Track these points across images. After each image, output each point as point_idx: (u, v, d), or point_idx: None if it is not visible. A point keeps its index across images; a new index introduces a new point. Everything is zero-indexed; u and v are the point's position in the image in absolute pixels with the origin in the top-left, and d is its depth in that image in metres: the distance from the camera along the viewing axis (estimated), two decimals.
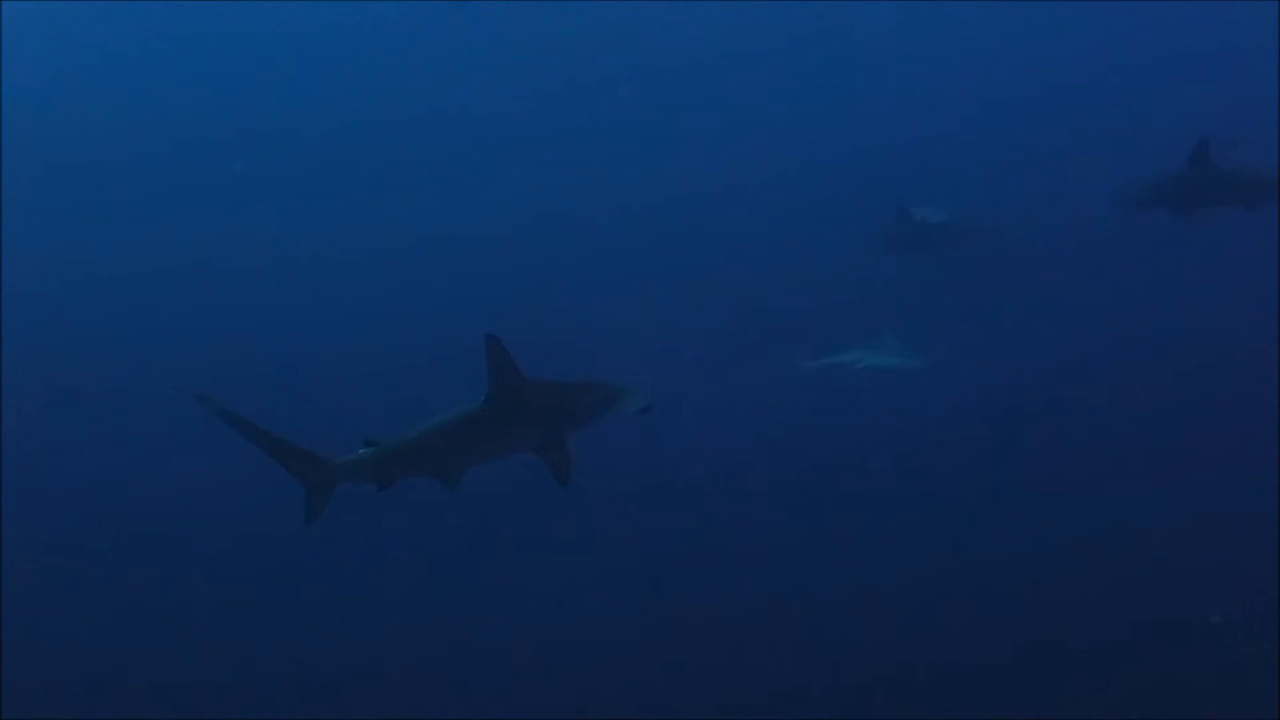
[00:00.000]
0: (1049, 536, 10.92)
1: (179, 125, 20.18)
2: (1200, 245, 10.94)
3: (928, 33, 20.25)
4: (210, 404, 7.50)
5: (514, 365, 8.29)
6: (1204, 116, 14.75)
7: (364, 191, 19.32)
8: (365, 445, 7.90)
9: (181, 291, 17.21)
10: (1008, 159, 16.94)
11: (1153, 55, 18.83)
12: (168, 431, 12.54)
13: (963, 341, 12.49)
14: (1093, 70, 18.70)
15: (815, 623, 10.23)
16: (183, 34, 21.53)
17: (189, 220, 18.65)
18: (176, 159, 19.89)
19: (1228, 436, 11.61)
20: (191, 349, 15.41)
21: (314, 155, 19.92)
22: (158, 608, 11.13)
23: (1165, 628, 9.41)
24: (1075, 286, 14.15)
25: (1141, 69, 18.70)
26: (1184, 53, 18.75)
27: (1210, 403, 12.11)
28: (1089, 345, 13.28)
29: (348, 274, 17.49)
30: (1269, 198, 10.91)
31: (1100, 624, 9.64)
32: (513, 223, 17.89)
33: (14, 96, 19.22)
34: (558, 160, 18.93)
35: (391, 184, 19.44)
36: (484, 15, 20.42)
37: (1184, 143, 10.66)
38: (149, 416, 13.47)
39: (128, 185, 19.57)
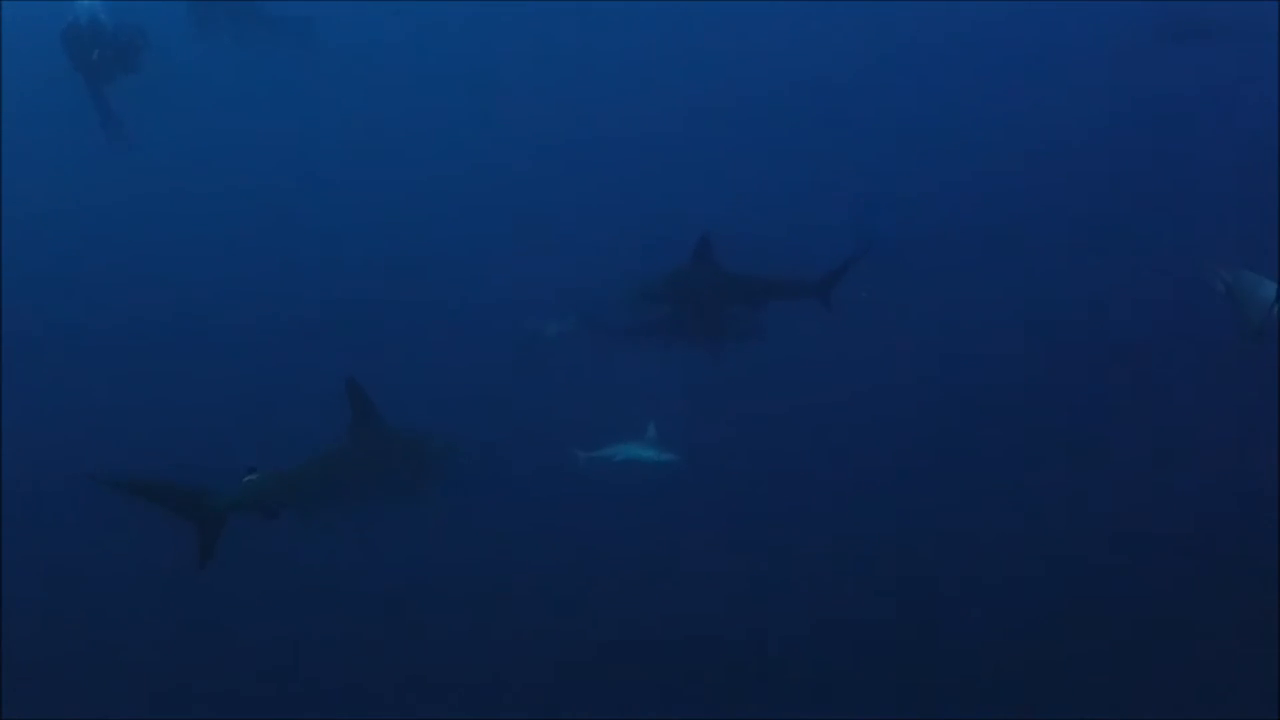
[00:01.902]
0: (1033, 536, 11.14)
1: None
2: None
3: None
4: (100, 481, 7.69)
5: (372, 408, 8.82)
6: None
7: None
8: (249, 473, 8.08)
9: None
10: None
11: None
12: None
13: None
14: None
15: None
16: None
17: None
18: None
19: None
20: None
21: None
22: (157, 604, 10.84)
23: (1163, 627, 9.67)
24: None
25: None
26: None
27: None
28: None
29: None
30: (772, 299, 11.68)
31: (1098, 622, 9.88)
32: None
33: None
34: None
35: None
36: None
37: None
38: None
39: None
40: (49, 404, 14.43)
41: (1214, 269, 10.09)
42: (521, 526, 11.93)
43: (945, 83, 21.36)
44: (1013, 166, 18.49)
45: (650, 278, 11.72)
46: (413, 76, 23.40)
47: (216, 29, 18.14)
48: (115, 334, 16.47)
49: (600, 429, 12.71)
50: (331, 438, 9.17)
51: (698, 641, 10.48)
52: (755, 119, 21.21)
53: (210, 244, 18.89)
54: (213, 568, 8.08)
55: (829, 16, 22.34)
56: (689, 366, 12.73)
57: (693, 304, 11.45)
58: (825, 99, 21.37)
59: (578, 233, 17.78)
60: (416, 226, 19.10)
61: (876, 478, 12.49)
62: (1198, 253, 10.47)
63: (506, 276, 16.87)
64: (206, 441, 12.66)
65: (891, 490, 12.26)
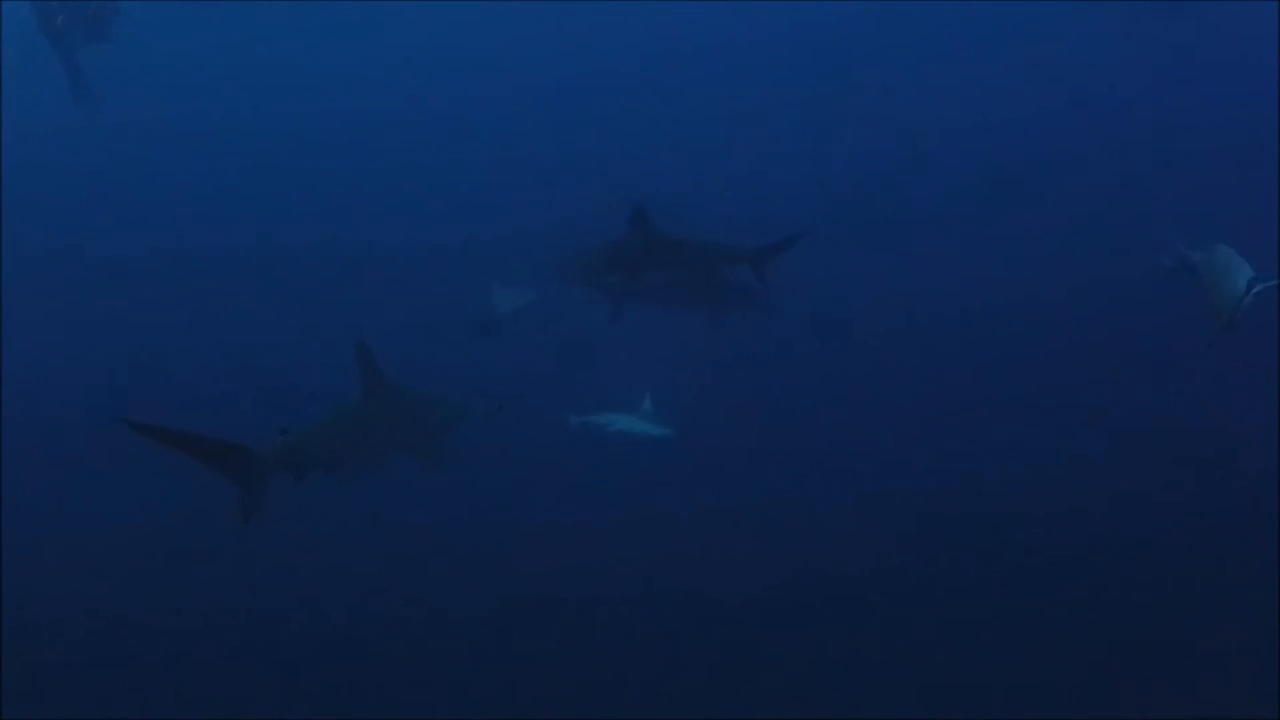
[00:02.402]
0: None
1: None
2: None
3: None
4: (134, 426, 7.47)
5: (379, 371, 8.94)
6: None
7: None
8: (280, 433, 8.18)
9: None
10: None
11: None
12: None
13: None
14: None
15: None
16: None
17: None
18: None
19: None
20: None
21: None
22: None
23: (1163, 624, 9.56)
24: None
25: None
26: None
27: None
28: None
29: None
30: (706, 264, 11.67)
31: (1096, 621, 9.73)
32: None
33: None
34: None
35: None
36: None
37: None
38: None
39: None
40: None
41: (1180, 247, 9.37)
42: (519, 491, 12.11)
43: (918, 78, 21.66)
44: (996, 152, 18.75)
45: (586, 249, 11.81)
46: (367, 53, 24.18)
47: None
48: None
49: (597, 395, 12.75)
50: (332, 398, 9.31)
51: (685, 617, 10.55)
52: (722, 96, 21.67)
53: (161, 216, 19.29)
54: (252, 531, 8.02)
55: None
56: (689, 338, 12.71)
57: (629, 272, 11.51)
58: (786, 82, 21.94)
59: (534, 205, 18.01)
60: (378, 201, 19.43)
61: (871, 461, 12.49)
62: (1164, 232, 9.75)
63: (471, 249, 17.13)
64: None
65: (884, 475, 12.24)
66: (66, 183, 20.17)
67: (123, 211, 19.35)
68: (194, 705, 9.66)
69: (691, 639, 10.24)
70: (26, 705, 9.38)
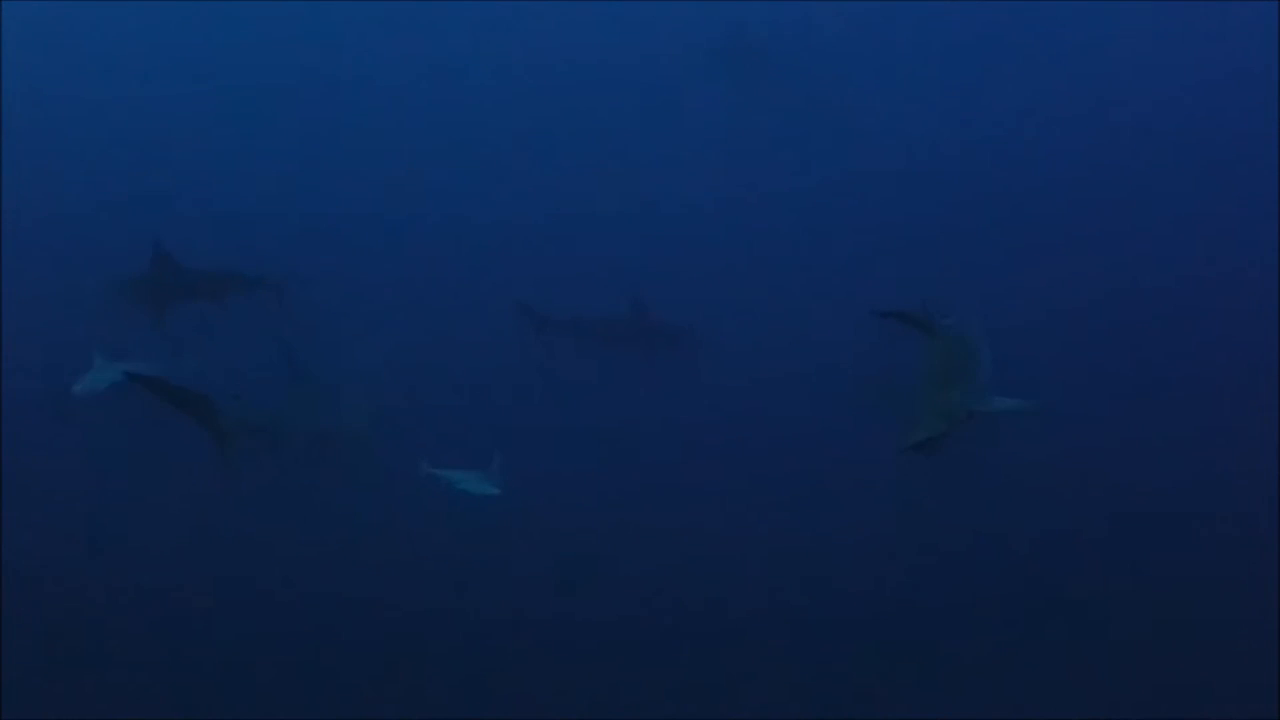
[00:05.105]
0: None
1: None
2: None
3: None
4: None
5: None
6: None
7: None
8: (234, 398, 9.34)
9: None
10: None
11: None
12: None
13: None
14: None
15: None
16: None
17: None
18: None
19: None
20: None
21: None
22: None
23: (1164, 626, 9.89)
24: None
25: None
26: None
27: None
28: None
29: None
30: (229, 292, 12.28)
31: (1100, 623, 10.09)
32: None
33: None
34: None
35: None
36: None
37: None
38: None
39: None
40: None
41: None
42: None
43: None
44: None
45: (125, 278, 12.50)
46: None
47: None
48: None
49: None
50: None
51: None
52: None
53: None
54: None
55: None
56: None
57: (155, 299, 12.25)
58: None
59: None
60: None
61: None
62: None
63: None
64: None
65: None
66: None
67: None
68: (194, 705, 9.68)
69: None
70: (26, 705, 9.36)
